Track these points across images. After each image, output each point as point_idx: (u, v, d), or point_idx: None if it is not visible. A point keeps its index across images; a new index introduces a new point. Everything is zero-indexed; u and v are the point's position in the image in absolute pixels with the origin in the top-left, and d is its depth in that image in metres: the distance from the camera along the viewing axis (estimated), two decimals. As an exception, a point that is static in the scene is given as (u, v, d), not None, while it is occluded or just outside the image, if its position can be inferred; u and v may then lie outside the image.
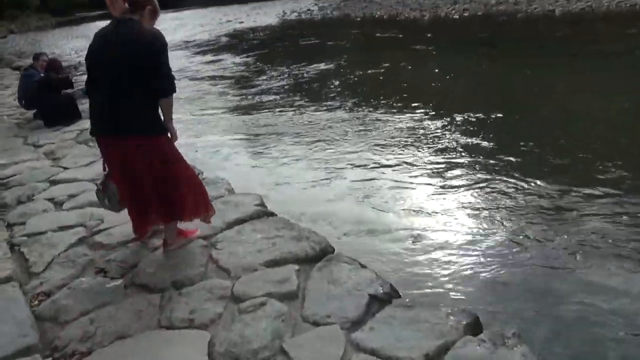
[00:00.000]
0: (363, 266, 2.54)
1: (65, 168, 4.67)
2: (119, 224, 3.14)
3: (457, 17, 14.35)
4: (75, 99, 6.56)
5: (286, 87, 8.60)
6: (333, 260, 2.59)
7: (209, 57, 12.81)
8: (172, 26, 24.98)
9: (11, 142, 5.88)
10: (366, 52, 11.45)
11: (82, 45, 20.26)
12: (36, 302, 2.52)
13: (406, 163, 4.69)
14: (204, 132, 6.35)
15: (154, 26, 2.60)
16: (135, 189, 2.63)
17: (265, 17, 23.33)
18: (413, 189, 4.14)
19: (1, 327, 2.06)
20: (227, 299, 2.36)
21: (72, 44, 22.20)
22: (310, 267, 2.57)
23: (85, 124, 6.10)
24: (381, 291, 2.30)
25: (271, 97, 8.00)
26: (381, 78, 8.57)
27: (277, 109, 7.21)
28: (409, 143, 5.21)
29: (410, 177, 4.38)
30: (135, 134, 2.49)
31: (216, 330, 2.15)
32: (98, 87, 2.53)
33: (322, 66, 9.87)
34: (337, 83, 8.43)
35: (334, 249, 2.75)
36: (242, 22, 22.22)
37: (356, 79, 8.43)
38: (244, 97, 8.22)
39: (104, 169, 2.80)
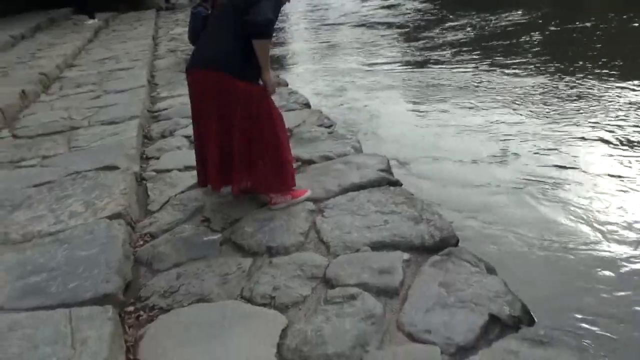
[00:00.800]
0: (491, 271, 1.98)
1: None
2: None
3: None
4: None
5: (467, 40, 7.51)
6: (453, 255, 2.07)
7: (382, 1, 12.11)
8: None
9: (176, 76, 6.23)
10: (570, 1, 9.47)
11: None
12: (141, 243, 2.51)
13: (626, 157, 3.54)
14: (365, 85, 5.94)
15: None
16: (221, 135, 2.44)
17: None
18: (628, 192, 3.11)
19: (90, 269, 2.03)
20: (318, 280, 2.03)
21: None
22: (423, 259, 2.09)
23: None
24: (507, 312, 1.74)
25: (447, 52, 7.11)
26: (595, 37, 6.84)
27: (452, 66, 6.35)
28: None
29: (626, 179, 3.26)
30: (224, 71, 2.31)
31: (295, 317, 1.84)
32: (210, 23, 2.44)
33: (515, 17, 8.42)
34: (532, 39, 7.03)
35: (458, 241, 2.22)
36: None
37: (557, 35, 6.84)
38: (415, 49, 7.46)
39: None
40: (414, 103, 5.21)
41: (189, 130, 4.00)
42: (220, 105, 2.38)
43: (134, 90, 5.19)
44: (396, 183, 2.81)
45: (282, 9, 2.50)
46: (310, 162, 3.15)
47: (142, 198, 2.98)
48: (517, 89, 5.16)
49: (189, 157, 3.41)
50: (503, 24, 7.94)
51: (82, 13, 12.32)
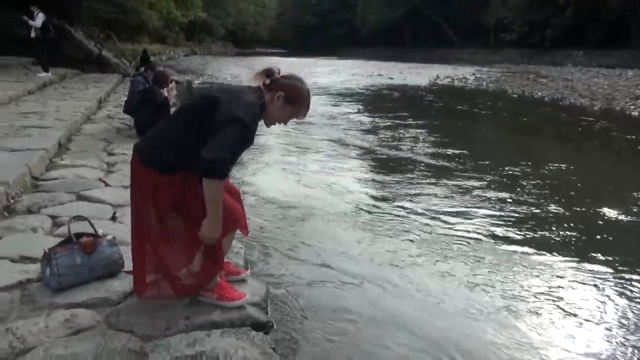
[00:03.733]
0: None
1: (105, 184, 4.15)
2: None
3: (637, 114, 12.02)
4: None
5: (417, 160, 6.79)
6: None
7: (341, 107, 12.23)
8: (324, 71, 25.71)
9: (94, 145, 5.67)
10: (515, 137, 9.49)
11: (241, 72, 21.56)
12: None
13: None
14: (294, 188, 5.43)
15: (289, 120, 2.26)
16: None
17: (418, 77, 22.65)
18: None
19: None
20: None
21: (233, 71, 23.78)
22: None
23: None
24: None
25: (395, 170, 6.34)
26: (543, 179, 5.89)
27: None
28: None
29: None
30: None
31: None
32: None
33: (460, 143, 8.02)
34: (480, 174, 6.00)
35: None
36: (391, 79, 21.81)
37: (503, 175, 6.03)
38: (366, 156, 7.10)
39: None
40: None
41: (60, 209, 3.43)
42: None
43: (31, 152, 4.55)
44: (264, 326, 2.20)
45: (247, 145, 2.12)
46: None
47: None
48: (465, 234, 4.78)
49: (38, 243, 2.76)
50: (446, 147, 7.80)
51: (40, 65, 11.90)
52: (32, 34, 11.17)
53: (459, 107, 13.16)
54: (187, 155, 2.04)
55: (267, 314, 2.36)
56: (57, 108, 7.41)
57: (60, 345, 1.91)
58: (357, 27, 68.66)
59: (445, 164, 6.55)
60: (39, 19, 11.03)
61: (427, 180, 5.68)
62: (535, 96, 15.91)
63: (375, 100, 14.32)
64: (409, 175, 5.94)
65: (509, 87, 18.24)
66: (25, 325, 2.03)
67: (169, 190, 2.08)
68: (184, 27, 42.06)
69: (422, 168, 6.33)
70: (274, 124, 2.26)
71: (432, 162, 6.65)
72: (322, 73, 24.44)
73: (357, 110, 11.75)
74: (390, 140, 8.18)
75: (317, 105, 11.48)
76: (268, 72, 2.22)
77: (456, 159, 6.79)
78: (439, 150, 7.34)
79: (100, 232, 2.50)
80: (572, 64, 30.03)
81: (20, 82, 9.62)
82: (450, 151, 7.27)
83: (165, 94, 6.10)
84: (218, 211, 2.04)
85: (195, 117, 2.07)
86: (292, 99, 2.18)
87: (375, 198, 4.96)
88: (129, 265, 2.53)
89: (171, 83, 6.33)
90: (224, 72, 23.04)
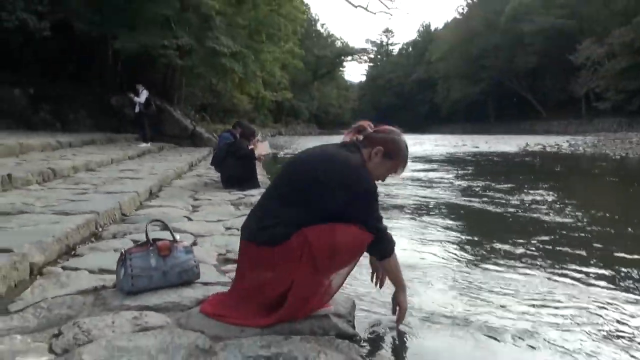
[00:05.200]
0: None
1: (189, 219, 4.14)
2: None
3: None
4: (254, 168, 6.31)
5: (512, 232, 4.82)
6: None
7: (434, 172, 11.59)
8: (409, 143, 25.58)
9: (183, 193, 5.81)
10: (621, 202, 7.60)
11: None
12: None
13: None
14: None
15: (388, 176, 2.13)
16: None
17: (505, 145, 21.85)
18: None
19: None
20: None
21: (314, 144, 24.45)
22: None
23: (259, 191, 5.72)
24: None
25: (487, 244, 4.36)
26: None
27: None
28: None
29: None
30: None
31: None
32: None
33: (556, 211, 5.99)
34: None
35: None
36: (477, 147, 21.22)
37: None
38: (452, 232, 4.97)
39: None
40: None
41: (144, 236, 3.38)
42: None
43: (124, 194, 4.71)
44: (350, 338, 1.87)
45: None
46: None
47: (10, 292, 2.20)
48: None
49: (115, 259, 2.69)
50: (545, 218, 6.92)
51: (141, 135, 12.94)
52: (136, 109, 12.30)
53: (558, 169, 12.26)
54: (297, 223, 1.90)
55: (354, 327, 2.03)
56: (151, 167, 7.84)
57: (124, 338, 1.71)
58: (438, 104, 69.22)
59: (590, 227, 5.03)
60: (143, 95, 12.17)
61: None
62: (643, 157, 14.58)
63: (466, 165, 13.71)
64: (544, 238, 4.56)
65: (610, 150, 16.95)
66: (92, 321, 1.88)
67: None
68: (272, 109, 44.74)
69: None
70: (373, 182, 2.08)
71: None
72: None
73: (452, 174, 10.98)
74: (503, 201, 6.83)
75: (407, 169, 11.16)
76: (360, 128, 2.11)
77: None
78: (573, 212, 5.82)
79: (177, 237, 2.37)
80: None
81: (122, 150, 10.43)
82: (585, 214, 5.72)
83: (251, 146, 6.23)
84: (401, 276, 2.15)
85: (298, 190, 1.94)
86: (391, 153, 2.05)
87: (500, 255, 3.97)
88: (205, 277, 2.37)
89: (257, 136, 6.48)
90: (306, 146, 23.74)
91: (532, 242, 4.33)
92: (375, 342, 2.12)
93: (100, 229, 3.59)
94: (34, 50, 14.04)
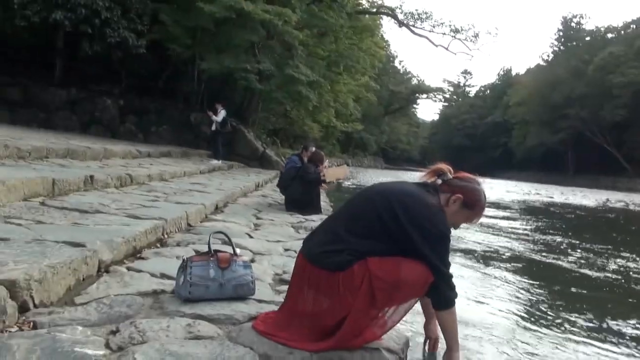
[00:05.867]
0: None
1: (250, 236, 4.20)
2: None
3: None
4: (318, 194, 6.35)
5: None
6: None
7: (502, 220, 11.08)
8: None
9: (247, 210, 5.94)
10: None
11: (387, 179, 21.90)
12: (14, 329, 1.76)
13: None
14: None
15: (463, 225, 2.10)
16: None
17: (582, 199, 20.59)
18: None
19: None
20: None
21: (380, 179, 24.30)
22: None
23: (320, 217, 5.74)
24: None
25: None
26: None
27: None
28: None
29: None
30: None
31: None
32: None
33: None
34: None
35: None
36: (551, 197, 20.15)
37: None
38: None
39: None
40: None
41: (206, 247, 3.47)
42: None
43: (192, 205, 4.89)
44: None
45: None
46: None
47: (77, 285, 2.30)
48: None
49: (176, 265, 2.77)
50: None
51: (214, 152, 13.44)
52: (213, 127, 12.85)
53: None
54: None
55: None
56: (220, 183, 8.10)
57: (177, 343, 1.73)
58: (512, 150, 66.98)
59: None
60: (221, 114, 12.71)
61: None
62: None
63: (539, 214, 12.96)
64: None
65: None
66: (149, 322, 1.92)
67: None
68: (341, 139, 45.18)
69: None
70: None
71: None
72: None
73: (524, 223, 10.44)
74: (582, 260, 6.26)
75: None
76: (439, 172, 2.08)
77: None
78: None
79: (237, 252, 2.40)
80: None
81: (195, 164, 10.89)
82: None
83: (320, 171, 6.28)
84: (457, 336, 2.00)
85: (371, 221, 1.90)
86: (470, 204, 2.01)
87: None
88: (259, 294, 2.38)
89: (325, 162, 6.53)
90: (373, 179, 23.65)
91: (610, 311, 3.93)
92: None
93: (166, 236, 3.72)
94: (129, 66, 15.16)
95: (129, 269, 2.73)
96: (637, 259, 6.65)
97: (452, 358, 1.99)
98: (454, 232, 1.99)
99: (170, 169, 8.27)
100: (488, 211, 12.09)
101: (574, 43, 64.06)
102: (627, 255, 6.87)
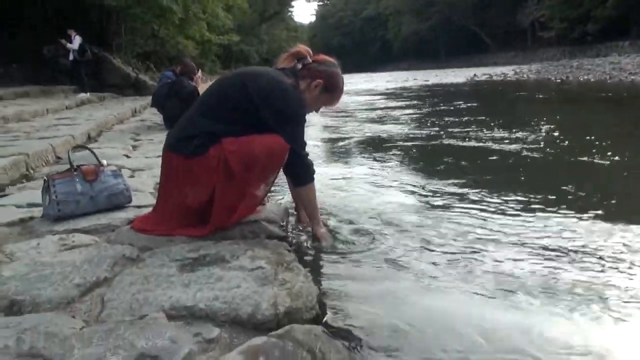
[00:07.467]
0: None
1: (127, 157, 4.04)
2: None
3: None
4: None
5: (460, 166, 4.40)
6: (288, 338, 1.12)
7: (382, 101, 11.76)
8: (359, 81, 25.64)
9: (123, 136, 5.63)
10: (567, 119, 7.64)
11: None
12: None
13: None
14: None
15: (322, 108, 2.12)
16: None
17: (454, 78, 22.15)
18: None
19: None
20: None
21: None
22: (242, 340, 1.14)
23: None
24: None
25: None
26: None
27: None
28: None
29: None
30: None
31: None
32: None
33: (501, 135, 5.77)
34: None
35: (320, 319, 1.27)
36: (427, 81, 21.40)
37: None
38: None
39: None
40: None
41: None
42: None
43: (58, 138, 4.52)
44: (281, 240, 1.91)
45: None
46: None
47: None
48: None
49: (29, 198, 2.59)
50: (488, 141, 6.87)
51: (78, 85, 12.25)
52: (70, 57, 11.57)
53: (504, 95, 12.55)
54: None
55: (286, 232, 2.07)
56: (90, 115, 7.51)
57: (49, 256, 1.69)
58: (390, 42, 68.80)
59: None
60: (76, 41, 11.43)
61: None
62: (581, 79, 15.12)
63: (413, 97, 13.80)
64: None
65: (552, 75, 17.48)
66: (17, 245, 1.84)
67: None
68: (220, 55, 43.19)
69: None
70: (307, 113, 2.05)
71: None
72: (357, 82, 24.35)
73: (400, 104, 11.14)
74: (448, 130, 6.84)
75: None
76: (299, 55, 2.03)
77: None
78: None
79: (104, 162, 2.31)
80: (617, 54, 28.64)
81: (57, 100, 9.90)
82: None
83: (194, 84, 6.02)
84: (317, 209, 2.09)
85: (226, 105, 1.88)
86: (330, 88, 2.02)
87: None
88: (139, 202, 2.35)
89: (198, 73, 6.25)
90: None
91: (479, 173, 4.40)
92: (305, 242, 2.14)
93: (32, 171, 3.46)
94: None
95: (-10, 206, 2.52)
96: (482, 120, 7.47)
97: (317, 231, 2.07)
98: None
99: (30, 108, 7.45)
100: (365, 97, 12.67)
101: None
102: (490, 121, 7.65)
